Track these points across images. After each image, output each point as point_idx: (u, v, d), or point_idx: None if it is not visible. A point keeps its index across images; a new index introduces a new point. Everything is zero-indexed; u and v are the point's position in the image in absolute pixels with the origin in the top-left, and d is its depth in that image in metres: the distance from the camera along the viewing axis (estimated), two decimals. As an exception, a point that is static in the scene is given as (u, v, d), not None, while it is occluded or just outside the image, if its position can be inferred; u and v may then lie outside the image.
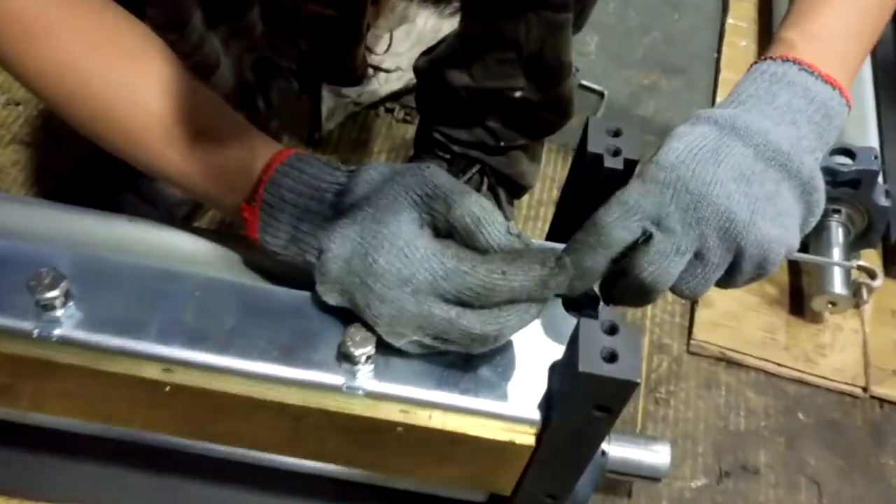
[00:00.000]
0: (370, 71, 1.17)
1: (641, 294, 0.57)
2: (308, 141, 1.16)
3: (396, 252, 0.53)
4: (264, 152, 0.60)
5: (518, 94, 0.90)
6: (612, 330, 0.52)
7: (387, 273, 0.53)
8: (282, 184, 0.57)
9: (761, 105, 0.58)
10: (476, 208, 0.54)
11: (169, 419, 0.61)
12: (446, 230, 0.55)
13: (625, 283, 0.57)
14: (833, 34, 0.61)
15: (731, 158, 0.55)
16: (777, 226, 0.55)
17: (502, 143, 0.99)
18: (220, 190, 0.60)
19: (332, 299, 0.56)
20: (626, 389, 0.51)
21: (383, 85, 1.19)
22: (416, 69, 0.99)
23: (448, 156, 1.04)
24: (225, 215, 0.62)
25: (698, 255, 0.56)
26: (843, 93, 0.59)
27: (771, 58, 0.60)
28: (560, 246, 0.59)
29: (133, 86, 0.59)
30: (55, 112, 0.62)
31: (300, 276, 0.59)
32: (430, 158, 1.05)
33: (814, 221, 0.59)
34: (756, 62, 0.62)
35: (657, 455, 0.70)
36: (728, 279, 0.58)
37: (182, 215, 1.01)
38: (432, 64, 0.96)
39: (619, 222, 0.55)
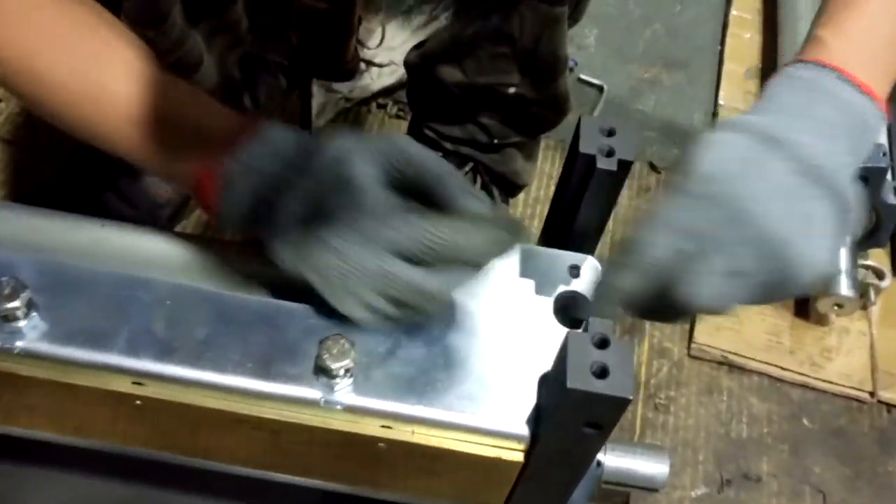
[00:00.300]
0: (362, 65, 1.15)
1: (676, 313, 0.55)
2: None
3: (358, 206, 0.53)
4: (229, 121, 0.59)
5: (512, 90, 0.88)
6: (602, 343, 0.49)
7: (346, 227, 0.53)
8: (250, 150, 0.56)
9: (799, 116, 0.55)
10: (440, 170, 0.55)
11: (142, 433, 0.59)
12: (410, 189, 0.55)
13: (660, 302, 0.55)
14: (871, 38, 0.58)
15: (773, 173, 0.53)
16: (815, 247, 0.53)
17: (496, 141, 0.97)
18: (174, 154, 0.59)
19: (288, 261, 0.55)
20: (617, 406, 0.49)
21: (376, 80, 1.16)
22: (407, 64, 0.97)
23: (440, 153, 1.02)
24: (183, 187, 0.60)
25: (735, 275, 0.53)
26: (880, 105, 0.57)
27: (807, 61, 0.57)
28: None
29: (101, 72, 0.59)
30: (21, 101, 0.60)
31: (281, 284, 0.57)
32: None
33: (845, 240, 0.58)
34: (789, 64, 0.58)
35: (655, 465, 0.68)
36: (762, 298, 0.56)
37: (166, 217, 0.99)
38: (423, 59, 0.93)
39: (657, 242, 0.53)
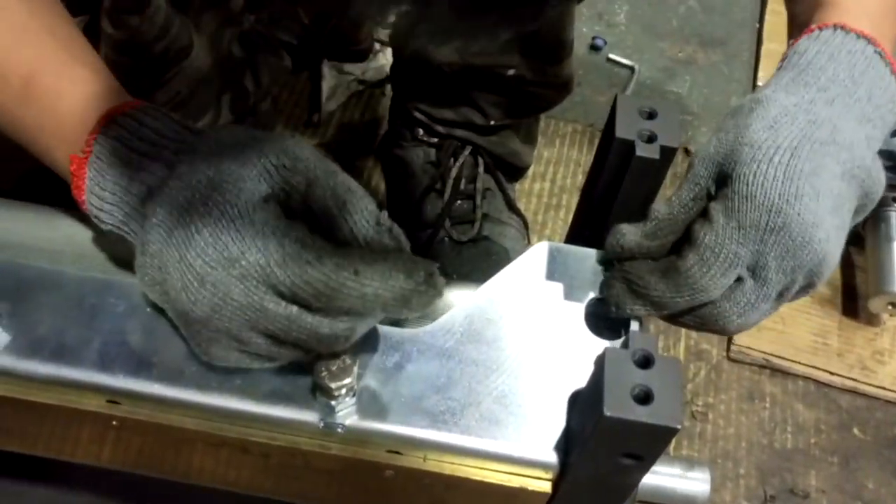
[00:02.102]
0: (376, 46, 1.10)
1: (715, 332, 0.53)
2: (307, 123, 1.09)
3: (226, 223, 0.44)
4: (105, 101, 0.51)
5: (511, 72, 0.82)
6: (645, 362, 0.44)
7: (210, 248, 0.44)
8: (117, 135, 0.49)
9: (844, 96, 0.54)
10: (341, 189, 0.46)
11: (119, 453, 0.55)
12: (300, 212, 0.47)
13: (701, 320, 0.52)
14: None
15: (827, 185, 0.51)
16: (839, 249, 0.52)
17: (492, 122, 0.91)
18: (51, 139, 0.52)
19: (148, 286, 0.47)
20: (662, 436, 0.44)
21: (390, 61, 1.10)
22: (395, 40, 0.91)
23: (434, 139, 0.97)
24: (59, 173, 0.53)
25: (779, 297, 0.51)
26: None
27: (843, 28, 0.55)
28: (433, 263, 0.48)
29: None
30: None
31: None
32: (412, 143, 0.97)
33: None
34: (819, 27, 0.56)
35: (695, 483, 0.62)
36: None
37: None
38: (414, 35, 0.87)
39: (715, 279, 0.49)
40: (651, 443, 0.43)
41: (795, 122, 0.51)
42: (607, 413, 0.41)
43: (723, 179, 0.51)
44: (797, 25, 0.60)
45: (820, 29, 0.55)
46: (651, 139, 0.53)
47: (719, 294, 0.50)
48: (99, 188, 0.49)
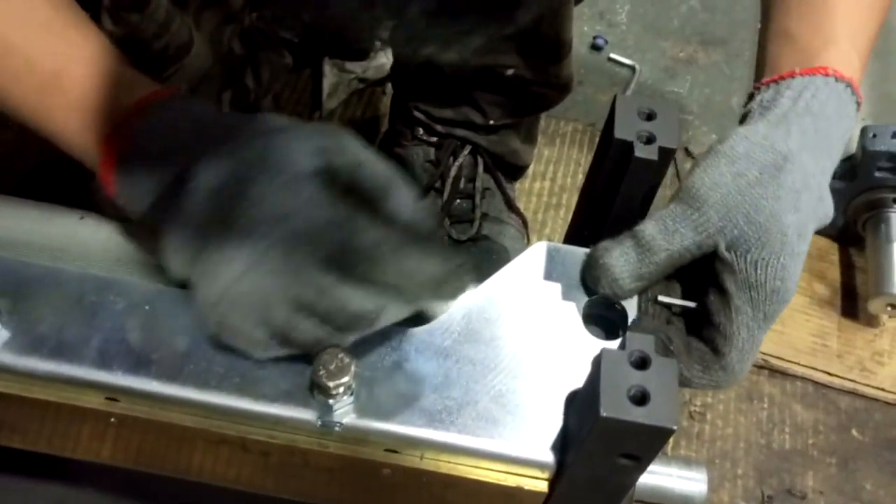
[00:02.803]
0: (377, 44, 1.09)
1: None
2: (308, 120, 1.07)
3: (278, 184, 0.44)
4: (140, 88, 0.52)
5: (510, 72, 0.82)
6: (641, 363, 0.44)
7: (258, 204, 0.44)
8: (161, 117, 0.49)
9: (819, 139, 0.55)
10: (386, 173, 0.47)
11: (118, 450, 0.54)
12: (345, 189, 0.47)
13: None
14: (851, 33, 0.59)
15: (807, 241, 0.53)
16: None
17: (492, 122, 0.90)
18: (81, 124, 0.52)
19: (175, 261, 0.47)
20: (658, 437, 0.44)
21: (391, 60, 1.10)
22: (393, 38, 0.90)
23: (434, 138, 0.96)
24: (84, 159, 0.54)
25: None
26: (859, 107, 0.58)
27: (818, 73, 0.56)
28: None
29: None
30: None
31: None
32: (412, 142, 0.97)
33: None
34: (794, 74, 0.57)
35: (692, 483, 0.61)
36: None
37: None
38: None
39: (748, 364, 0.52)
40: (647, 443, 0.43)
41: (801, 198, 0.52)
42: (604, 414, 0.41)
43: (736, 247, 0.50)
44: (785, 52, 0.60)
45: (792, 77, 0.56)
46: (650, 140, 0.53)
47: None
48: (134, 169, 0.49)
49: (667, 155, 0.53)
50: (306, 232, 0.44)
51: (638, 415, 0.41)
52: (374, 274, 0.44)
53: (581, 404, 0.47)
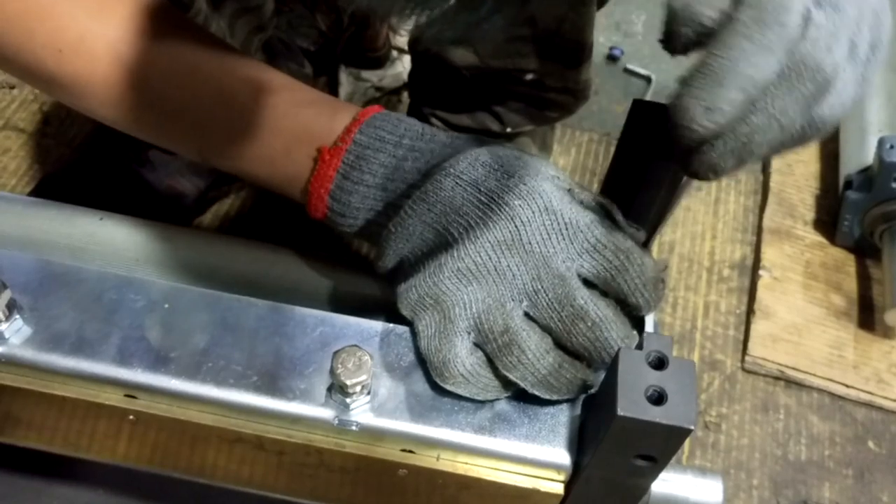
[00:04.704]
0: (393, 53, 1.09)
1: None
2: None
3: (543, 212, 0.47)
4: (346, 105, 0.54)
5: (529, 76, 0.81)
6: (659, 363, 0.43)
7: (516, 243, 0.47)
8: (381, 126, 0.51)
9: None
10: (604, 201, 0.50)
11: (135, 449, 0.54)
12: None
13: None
14: None
15: None
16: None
17: (509, 130, 0.90)
18: (292, 140, 0.52)
19: (409, 298, 0.49)
20: (676, 437, 0.43)
21: (407, 68, 1.10)
22: (413, 44, 0.90)
23: None
24: (287, 181, 0.54)
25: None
26: None
27: None
28: None
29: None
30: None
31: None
32: None
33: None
34: None
35: (707, 492, 0.61)
36: None
37: (185, 208, 0.93)
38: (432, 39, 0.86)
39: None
40: (664, 444, 0.43)
41: None
42: (621, 413, 0.41)
43: None
44: None
45: None
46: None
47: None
48: (357, 175, 0.50)
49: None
50: (578, 229, 0.47)
51: (655, 414, 0.41)
52: (624, 273, 0.47)
53: (598, 404, 0.47)
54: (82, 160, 0.92)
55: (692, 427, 0.42)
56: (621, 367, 0.42)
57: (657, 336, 0.45)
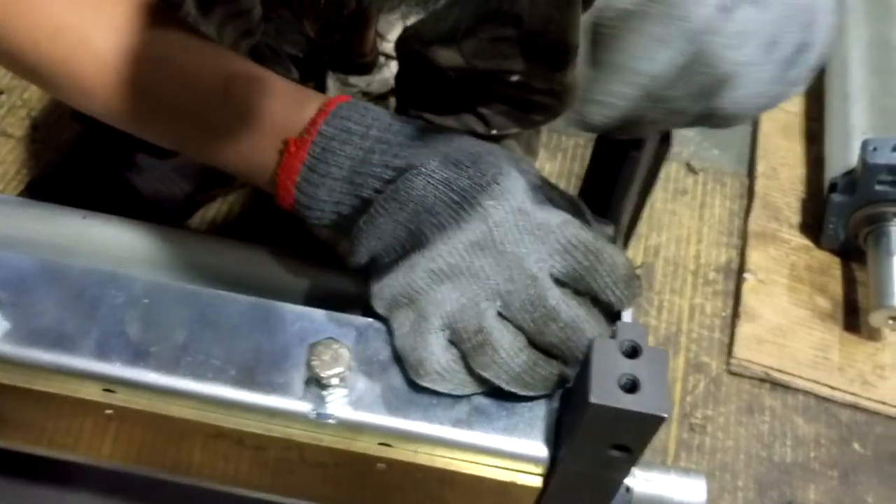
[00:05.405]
0: (381, 59, 1.09)
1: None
2: None
3: (509, 205, 0.47)
4: (314, 95, 0.53)
5: (515, 77, 0.82)
6: (632, 352, 0.44)
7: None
8: (348, 116, 0.50)
9: None
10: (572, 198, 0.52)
11: (114, 446, 0.54)
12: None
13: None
14: None
15: None
16: None
17: (494, 132, 0.90)
18: (255, 132, 0.52)
19: (382, 296, 0.49)
20: (648, 425, 0.43)
21: (395, 73, 1.10)
22: (399, 45, 0.90)
23: None
24: (253, 170, 0.54)
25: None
26: None
27: None
28: None
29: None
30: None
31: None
32: None
33: None
34: None
35: (691, 492, 0.61)
36: None
37: (172, 212, 0.94)
38: (418, 39, 0.86)
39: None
40: (638, 432, 0.43)
41: None
42: (593, 401, 0.41)
43: None
44: None
45: None
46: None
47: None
48: (323, 167, 0.50)
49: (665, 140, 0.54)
50: (553, 227, 0.47)
51: (628, 402, 0.41)
52: (596, 269, 0.47)
53: (573, 395, 0.47)
54: (69, 164, 0.92)
55: (665, 415, 0.42)
56: (595, 355, 0.43)
57: (631, 325, 0.45)
